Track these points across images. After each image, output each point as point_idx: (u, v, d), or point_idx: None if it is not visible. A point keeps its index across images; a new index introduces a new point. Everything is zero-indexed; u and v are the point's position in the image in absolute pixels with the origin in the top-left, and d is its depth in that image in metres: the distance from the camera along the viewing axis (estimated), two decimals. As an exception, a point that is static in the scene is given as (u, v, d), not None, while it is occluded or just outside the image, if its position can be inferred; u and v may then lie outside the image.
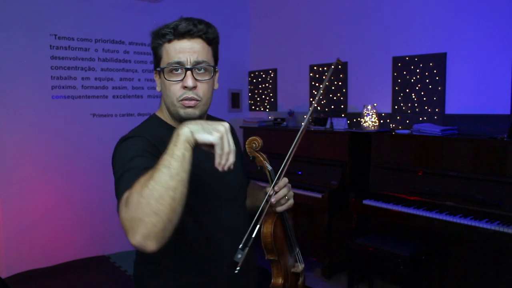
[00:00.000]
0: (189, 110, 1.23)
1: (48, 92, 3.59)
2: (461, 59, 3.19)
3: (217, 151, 0.97)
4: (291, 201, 1.38)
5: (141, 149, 1.14)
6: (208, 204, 1.30)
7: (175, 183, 0.92)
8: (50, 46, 3.58)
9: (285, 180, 1.35)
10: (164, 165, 0.93)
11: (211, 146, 0.98)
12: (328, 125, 3.73)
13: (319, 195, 3.36)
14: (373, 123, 3.52)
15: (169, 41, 1.22)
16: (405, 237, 3.05)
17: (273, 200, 1.31)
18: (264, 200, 1.32)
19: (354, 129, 3.65)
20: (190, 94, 1.22)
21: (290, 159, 1.33)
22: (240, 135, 4.29)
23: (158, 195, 0.90)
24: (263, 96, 4.71)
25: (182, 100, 1.22)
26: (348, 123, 3.76)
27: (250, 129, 4.30)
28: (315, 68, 4.16)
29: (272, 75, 4.60)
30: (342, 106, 3.96)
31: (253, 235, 1.21)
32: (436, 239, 3.00)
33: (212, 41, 1.26)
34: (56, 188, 3.67)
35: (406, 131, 3.22)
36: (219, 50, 1.33)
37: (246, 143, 1.40)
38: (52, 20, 3.57)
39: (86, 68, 3.78)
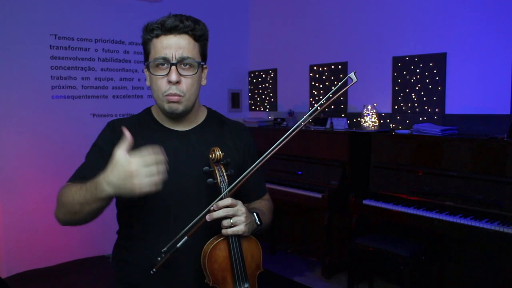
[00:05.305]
0: (173, 105, 1.27)
1: (48, 92, 3.59)
2: (461, 59, 3.19)
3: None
4: (238, 228, 1.19)
5: (102, 141, 1.41)
6: (151, 200, 1.26)
7: (80, 208, 1.17)
8: (50, 46, 3.58)
9: (226, 201, 1.18)
10: (82, 195, 1.14)
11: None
12: (328, 125, 3.73)
13: (319, 195, 3.35)
14: (373, 123, 3.52)
15: (157, 36, 1.27)
16: (405, 237, 3.05)
17: (207, 218, 1.17)
18: (201, 214, 1.17)
19: (354, 129, 3.65)
20: (173, 90, 1.25)
21: (248, 176, 1.17)
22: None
23: (72, 202, 1.20)
24: (263, 96, 4.70)
25: (167, 95, 1.26)
26: (348, 123, 3.76)
27: (250, 129, 4.28)
28: (315, 68, 4.16)
29: (272, 75, 4.60)
30: (342, 106, 3.96)
31: (178, 245, 1.13)
32: (436, 239, 3.00)
33: (200, 38, 1.29)
34: (56, 188, 3.65)
35: (406, 131, 3.22)
36: (208, 46, 1.34)
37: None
38: (52, 20, 3.57)
39: (86, 68, 3.78)
